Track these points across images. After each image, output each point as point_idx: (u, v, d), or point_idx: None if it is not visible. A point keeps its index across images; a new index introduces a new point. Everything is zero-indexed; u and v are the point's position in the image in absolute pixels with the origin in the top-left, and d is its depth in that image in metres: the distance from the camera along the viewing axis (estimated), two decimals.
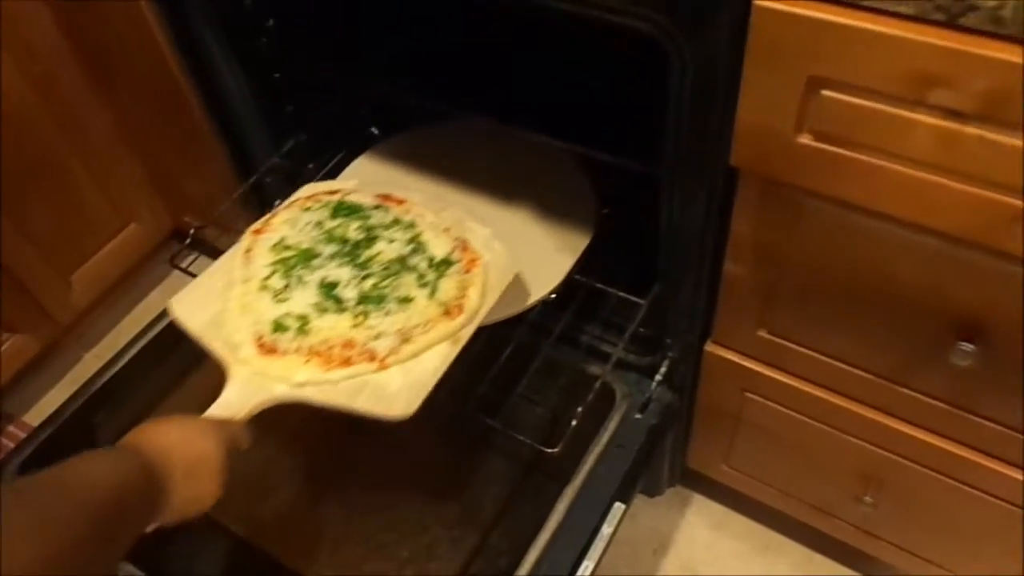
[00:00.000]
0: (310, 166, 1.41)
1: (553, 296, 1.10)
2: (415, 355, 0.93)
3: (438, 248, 1.02)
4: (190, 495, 0.70)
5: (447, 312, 0.96)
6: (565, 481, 1.07)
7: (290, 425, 1.15)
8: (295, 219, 1.06)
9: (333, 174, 1.35)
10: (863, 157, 0.71)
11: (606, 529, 1.04)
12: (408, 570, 1.01)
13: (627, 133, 1.06)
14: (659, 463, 1.32)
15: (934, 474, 1.01)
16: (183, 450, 0.71)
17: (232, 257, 1.04)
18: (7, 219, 1.43)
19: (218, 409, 0.85)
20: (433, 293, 0.97)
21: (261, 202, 1.42)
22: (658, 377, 1.17)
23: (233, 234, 1.54)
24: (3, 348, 1.52)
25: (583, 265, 1.15)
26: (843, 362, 0.97)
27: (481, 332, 1.02)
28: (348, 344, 0.92)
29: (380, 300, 0.96)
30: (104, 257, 1.64)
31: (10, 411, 1.65)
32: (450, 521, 1.05)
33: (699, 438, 1.26)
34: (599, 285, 1.15)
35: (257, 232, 1.06)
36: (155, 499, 0.66)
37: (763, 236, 0.88)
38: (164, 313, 1.24)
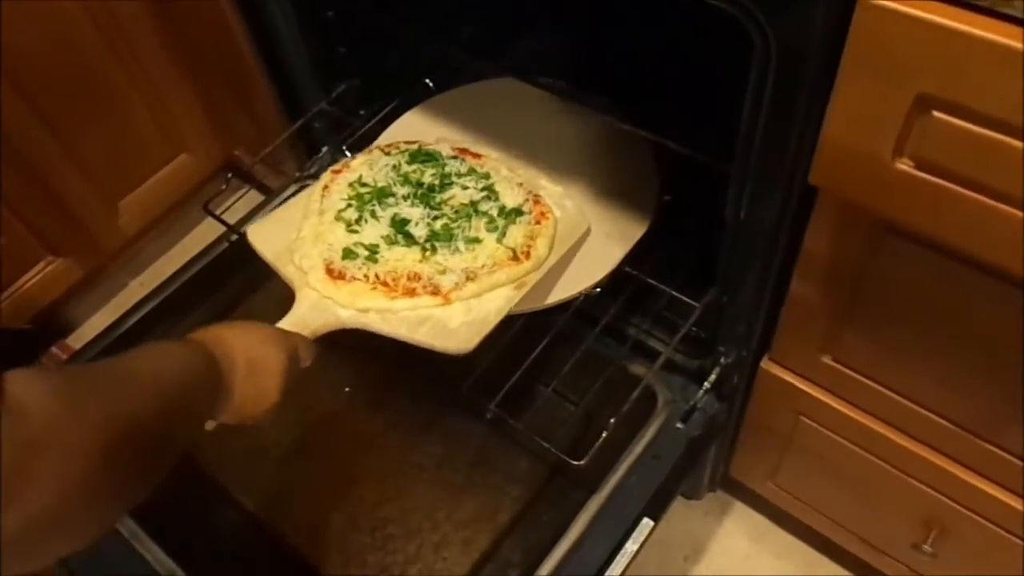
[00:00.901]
0: (361, 112, 1.32)
1: (597, 290, 1.00)
2: (478, 294, 0.93)
3: (510, 198, 1.02)
4: (251, 392, 0.70)
5: (514, 257, 0.96)
6: (591, 489, 0.99)
7: (313, 400, 1.10)
8: (374, 161, 1.08)
9: (384, 124, 1.27)
10: (972, 195, 0.58)
11: (630, 546, 0.97)
12: (413, 568, 0.95)
13: (698, 119, 0.93)
14: (700, 467, 1.23)
15: (1007, 535, 0.90)
16: (247, 349, 0.71)
17: (310, 192, 1.07)
18: (57, 143, 1.40)
19: (285, 326, 0.87)
20: (502, 237, 0.97)
21: (309, 146, 1.35)
22: (706, 384, 1.06)
23: (282, 176, 1.49)
24: (47, 271, 1.51)
25: (635, 256, 1.04)
26: (916, 403, 0.86)
27: (518, 317, 0.98)
28: (414, 276, 0.93)
29: (449, 238, 0.97)
30: (153, 186, 1.61)
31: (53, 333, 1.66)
32: (463, 521, 0.99)
33: (745, 450, 1.17)
34: (651, 281, 1.04)
35: (336, 172, 1.09)
36: (218, 390, 0.66)
37: (838, 259, 0.76)
38: (213, 245, 1.25)
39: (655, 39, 1.08)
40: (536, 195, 1.03)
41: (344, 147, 1.28)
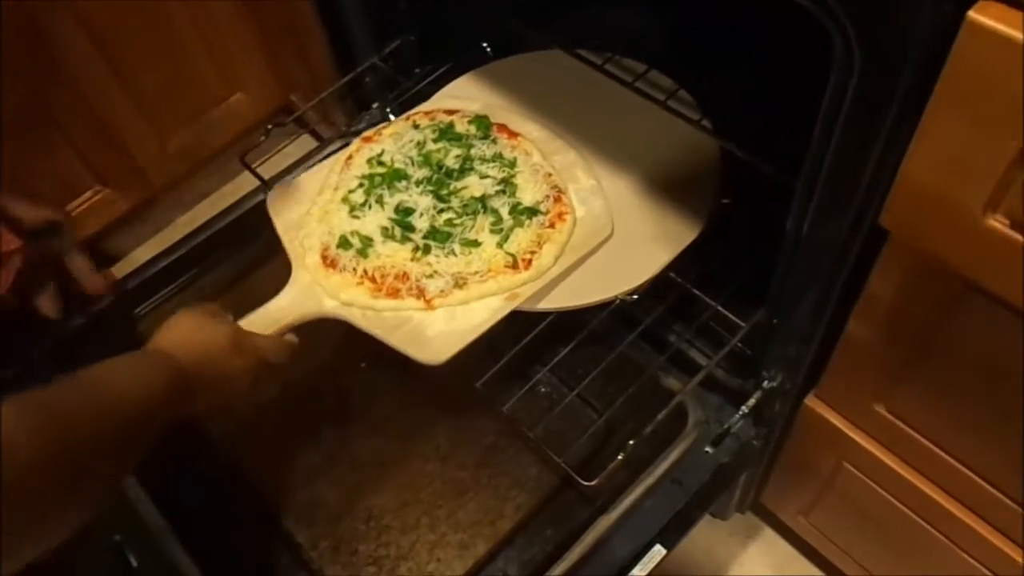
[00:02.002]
0: (416, 71, 1.25)
1: (634, 297, 0.92)
2: (465, 302, 0.89)
3: (528, 194, 0.97)
4: (213, 374, 0.73)
5: (513, 264, 0.90)
6: (602, 508, 0.92)
7: (328, 371, 1.05)
8: (401, 134, 1.05)
9: (436, 86, 1.19)
10: None
11: (638, 572, 0.90)
12: (404, 566, 0.91)
13: (768, 123, 0.83)
14: (729, 491, 1.14)
15: None
16: (196, 338, 0.74)
17: (335, 161, 1.05)
18: (113, 74, 1.37)
19: (272, 306, 0.89)
20: (504, 241, 0.92)
21: (360, 101, 1.29)
22: (744, 408, 0.98)
23: (332, 127, 1.44)
24: (95, 199, 1.50)
25: (682, 261, 0.95)
26: (974, 471, 0.76)
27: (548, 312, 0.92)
28: (401, 276, 0.90)
29: (446, 238, 0.93)
30: (207, 123, 1.58)
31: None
32: (463, 522, 0.93)
33: (779, 482, 1.08)
34: (696, 292, 0.95)
35: (366, 139, 1.07)
36: (182, 389, 0.69)
37: (904, 309, 0.66)
38: (250, 195, 1.21)
39: (733, 27, 0.98)
40: (560, 191, 0.96)
41: (393, 106, 1.22)
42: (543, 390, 1.04)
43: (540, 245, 0.92)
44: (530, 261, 0.91)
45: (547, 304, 0.92)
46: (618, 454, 0.85)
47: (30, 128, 1.33)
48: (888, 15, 0.49)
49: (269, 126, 1.18)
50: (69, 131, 1.38)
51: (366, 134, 1.08)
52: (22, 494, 0.47)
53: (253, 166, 1.12)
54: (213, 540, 0.88)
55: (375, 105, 1.28)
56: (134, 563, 0.86)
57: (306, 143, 1.43)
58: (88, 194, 1.49)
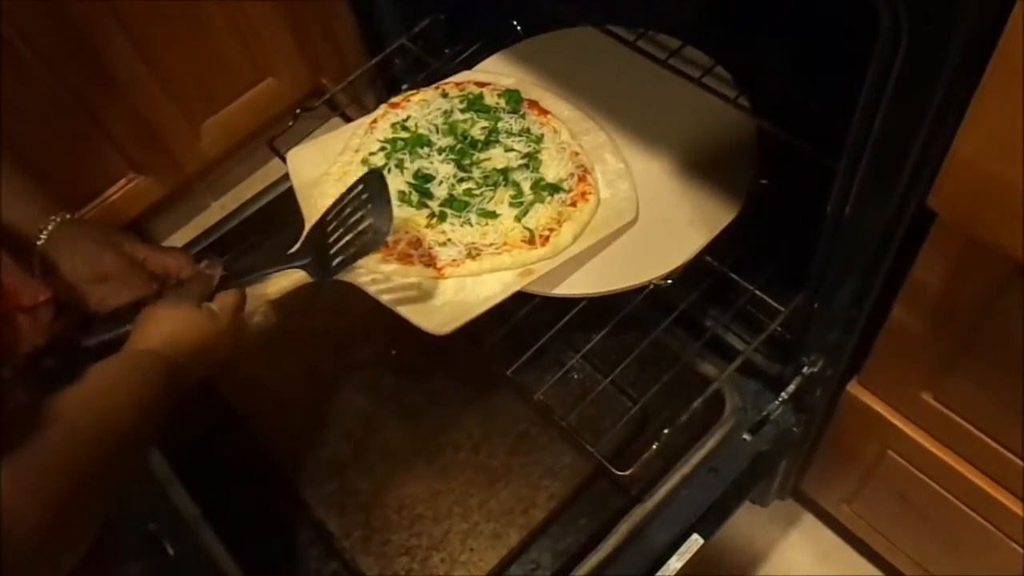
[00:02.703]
0: (446, 51, 1.23)
1: (669, 282, 0.89)
2: (476, 274, 0.86)
3: (552, 171, 0.93)
4: (201, 360, 0.70)
5: (530, 240, 0.87)
6: (637, 498, 0.91)
7: (358, 358, 1.04)
8: (429, 101, 1.03)
9: (467, 66, 1.17)
10: None
11: (674, 563, 0.88)
12: (437, 556, 0.90)
13: (807, 102, 0.80)
14: (769, 478, 1.12)
15: None
16: (182, 334, 0.70)
17: (359, 124, 1.03)
18: (144, 61, 1.38)
19: (282, 263, 0.83)
20: (523, 215, 0.89)
21: (388, 84, 1.27)
22: (783, 395, 0.94)
23: (363, 111, 1.42)
24: (129, 187, 1.51)
25: (718, 244, 0.92)
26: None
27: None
28: (414, 243, 0.88)
29: (463, 207, 0.90)
30: (238, 108, 1.58)
31: None
32: (495, 512, 0.92)
33: (820, 469, 1.05)
34: (732, 275, 0.92)
35: (393, 105, 1.04)
36: (175, 386, 0.66)
37: (953, 295, 0.63)
38: (281, 180, 1.20)
39: (770, 1, 0.93)
40: (586, 171, 0.93)
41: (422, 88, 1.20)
42: (576, 377, 1.02)
43: (560, 223, 0.88)
44: (547, 238, 0.87)
45: (580, 289, 0.90)
46: (653, 443, 0.83)
47: (64, 116, 1.34)
48: None
49: (298, 111, 1.17)
50: (103, 119, 1.39)
51: (393, 100, 1.05)
52: (32, 556, 0.47)
53: (283, 151, 1.12)
54: (246, 528, 0.89)
55: (404, 87, 1.26)
56: (170, 551, 0.87)
57: (336, 126, 1.42)
58: (123, 181, 1.50)
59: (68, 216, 0.78)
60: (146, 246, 0.82)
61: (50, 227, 0.75)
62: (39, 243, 0.74)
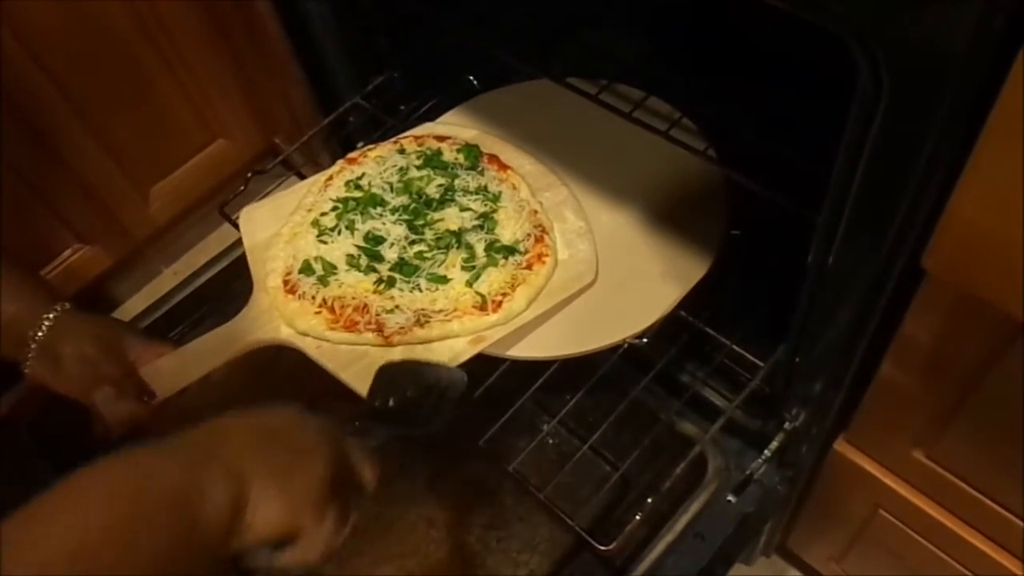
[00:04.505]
0: (401, 108, 1.20)
1: (644, 341, 0.86)
2: (425, 342, 0.83)
3: (508, 231, 0.91)
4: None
5: (481, 305, 0.84)
6: (621, 570, 0.86)
7: None
8: (385, 158, 1.01)
9: (424, 121, 1.14)
10: None
11: None
12: None
13: (780, 151, 0.78)
14: (754, 538, 1.08)
15: None
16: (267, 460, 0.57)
17: (314, 181, 1.01)
18: (87, 128, 1.32)
19: (224, 330, 0.85)
20: (475, 280, 0.86)
21: (344, 142, 1.24)
22: (767, 452, 0.91)
23: (317, 169, 1.38)
24: (73, 259, 1.44)
25: (693, 298, 0.89)
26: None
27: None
28: (361, 308, 0.85)
29: (413, 271, 0.87)
30: (188, 172, 1.52)
31: None
32: None
33: (808, 526, 1.01)
34: (709, 331, 0.89)
35: (350, 160, 1.02)
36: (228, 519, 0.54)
37: (946, 352, 0.60)
38: (234, 246, 1.19)
39: (735, 48, 0.92)
40: (544, 231, 0.90)
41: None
42: (552, 442, 0.98)
43: (514, 287, 0.85)
44: (500, 303, 0.84)
45: (552, 352, 0.86)
46: (635, 511, 0.79)
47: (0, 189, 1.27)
48: (922, 34, 0.43)
49: (249, 174, 1.13)
50: (42, 189, 1.33)
51: (351, 155, 1.03)
52: None
53: (235, 216, 1.07)
54: None
55: (360, 145, 1.22)
56: None
57: (292, 184, 1.38)
58: (67, 252, 1.43)
59: (68, 306, 0.76)
60: (142, 344, 0.81)
61: (52, 315, 0.72)
62: (40, 335, 0.72)
